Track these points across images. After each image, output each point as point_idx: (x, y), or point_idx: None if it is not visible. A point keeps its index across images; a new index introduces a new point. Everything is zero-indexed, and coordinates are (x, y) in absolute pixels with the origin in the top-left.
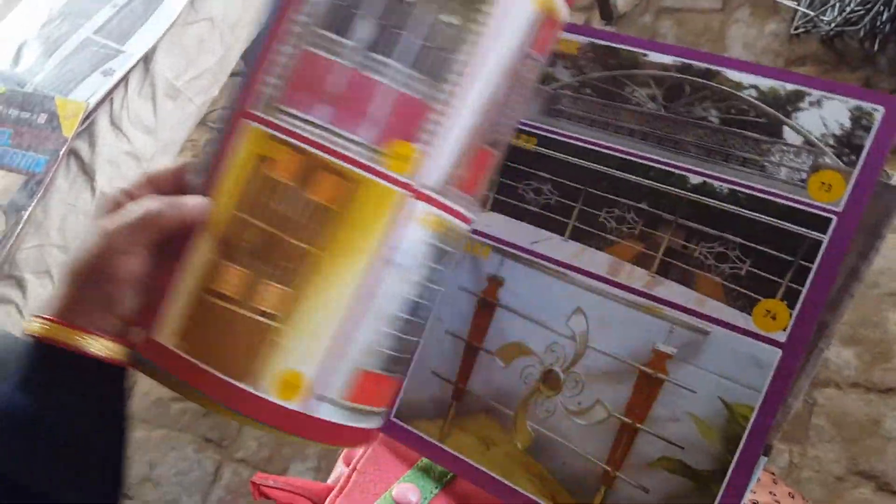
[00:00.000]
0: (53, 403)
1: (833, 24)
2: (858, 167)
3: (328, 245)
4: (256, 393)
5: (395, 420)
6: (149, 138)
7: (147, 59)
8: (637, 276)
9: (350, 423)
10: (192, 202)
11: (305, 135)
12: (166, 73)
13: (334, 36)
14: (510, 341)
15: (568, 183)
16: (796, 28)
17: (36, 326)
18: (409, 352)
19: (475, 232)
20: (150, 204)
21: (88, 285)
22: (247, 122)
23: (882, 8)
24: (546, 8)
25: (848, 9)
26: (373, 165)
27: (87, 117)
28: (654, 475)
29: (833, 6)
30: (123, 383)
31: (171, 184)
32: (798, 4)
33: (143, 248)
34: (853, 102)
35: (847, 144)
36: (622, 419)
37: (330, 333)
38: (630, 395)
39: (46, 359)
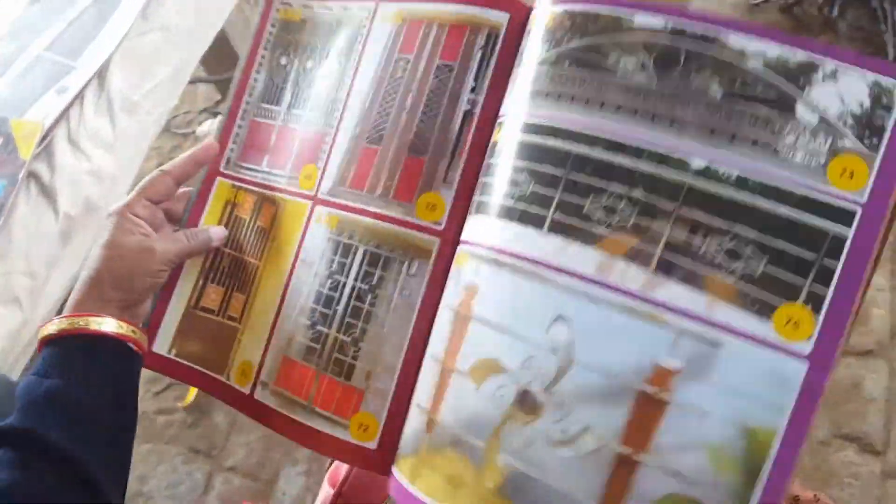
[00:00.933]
0: (77, 381)
1: None
2: (881, 152)
3: (265, 256)
4: (227, 382)
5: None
6: (108, 154)
7: (101, 74)
8: (632, 276)
9: (279, 409)
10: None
11: (255, 179)
12: (122, 87)
13: (270, 106)
14: (482, 358)
15: (545, 170)
16: None
17: (53, 327)
18: (322, 343)
19: (461, 241)
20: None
21: (113, 291)
22: (219, 178)
23: None
24: (406, 15)
25: None
26: (290, 188)
27: (43, 137)
28: None
29: None
30: (133, 363)
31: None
32: None
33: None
34: (871, 77)
35: (868, 125)
36: (618, 450)
37: (267, 327)
38: (627, 420)
39: (65, 349)
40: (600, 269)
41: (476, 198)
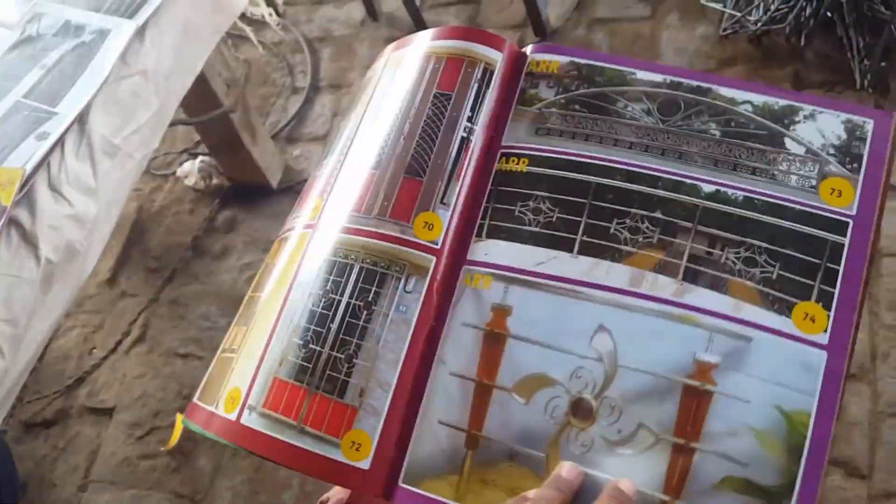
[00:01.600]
0: None
1: (759, 24)
2: (862, 174)
3: (266, 288)
4: (215, 412)
5: (403, 486)
6: (90, 199)
7: (82, 119)
8: (662, 285)
9: (267, 432)
10: None
11: (285, 227)
12: (103, 131)
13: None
14: (528, 374)
15: (569, 198)
16: (724, 30)
17: None
18: (314, 362)
19: (472, 263)
20: None
21: None
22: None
23: (805, 4)
24: (449, 53)
25: (772, 7)
26: (300, 224)
27: (24, 184)
28: (720, 498)
29: (758, 6)
30: None
31: None
32: (725, 7)
33: None
34: (843, 115)
35: (847, 153)
36: (674, 440)
37: (259, 352)
38: (677, 413)
39: None
40: (632, 282)
41: (485, 222)
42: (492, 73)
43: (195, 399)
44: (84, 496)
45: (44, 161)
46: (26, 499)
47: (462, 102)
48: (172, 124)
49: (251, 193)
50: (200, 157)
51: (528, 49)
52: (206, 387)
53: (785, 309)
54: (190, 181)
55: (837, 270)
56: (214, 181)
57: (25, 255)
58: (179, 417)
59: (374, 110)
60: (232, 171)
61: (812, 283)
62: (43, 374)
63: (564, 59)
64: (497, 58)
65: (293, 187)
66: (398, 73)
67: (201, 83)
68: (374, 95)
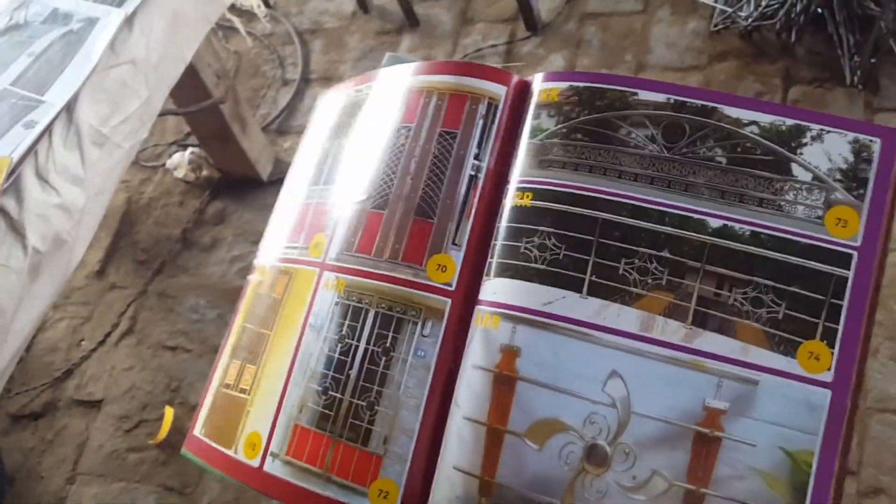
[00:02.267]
0: None
1: (750, 19)
2: (867, 201)
3: (275, 326)
4: (235, 457)
5: None
6: (78, 189)
7: (70, 108)
8: (672, 330)
9: (293, 480)
10: None
11: (275, 255)
12: (91, 121)
13: (300, 187)
14: (541, 418)
15: (575, 235)
16: (715, 25)
17: None
18: (336, 409)
19: (482, 302)
20: None
21: None
22: (258, 263)
23: (795, 0)
24: (450, 90)
25: (763, 3)
26: (300, 258)
27: (11, 173)
28: None
29: (749, 2)
30: None
31: None
32: (716, 2)
33: None
34: (851, 135)
35: (854, 178)
36: (685, 486)
37: (276, 396)
38: (689, 460)
39: None
40: (643, 327)
41: (493, 260)
42: (496, 107)
43: (196, 432)
44: (72, 489)
45: (31, 150)
46: (14, 491)
47: (468, 140)
48: (162, 114)
49: (241, 185)
50: (190, 149)
51: (536, 78)
52: (212, 423)
53: (791, 349)
54: (179, 173)
55: (841, 305)
56: (204, 173)
57: (12, 243)
58: (168, 410)
59: (363, 143)
60: (222, 162)
61: (817, 320)
62: (31, 366)
63: (564, 84)
64: (501, 92)
65: (283, 180)
66: (385, 108)
67: (191, 74)
68: (360, 128)
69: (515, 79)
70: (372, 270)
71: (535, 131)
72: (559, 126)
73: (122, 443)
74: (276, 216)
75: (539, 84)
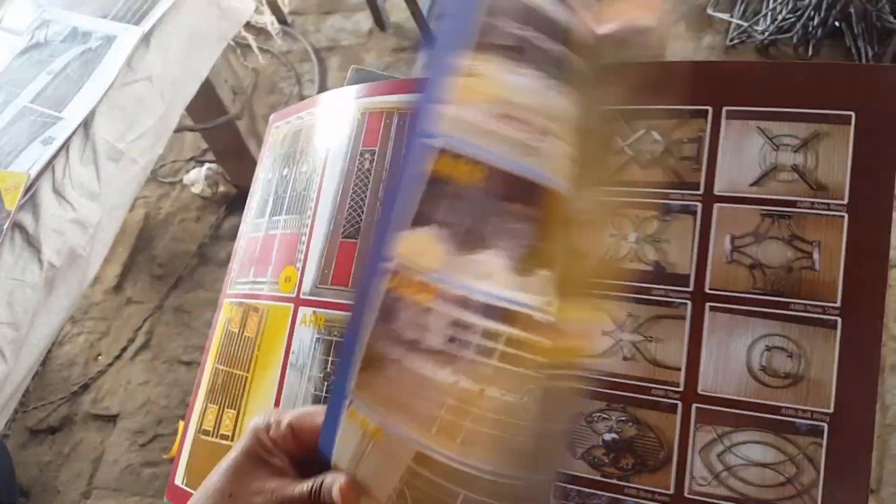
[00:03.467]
0: None
1: (767, 34)
2: None
3: (252, 367)
4: None
5: None
6: (94, 204)
7: (87, 124)
8: None
9: None
10: None
11: (244, 292)
12: (107, 137)
13: (258, 219)
14: None
15: None
16: (731, 40)
17: None
18: None
19: None
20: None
21: None
22: (224, 300)
23: (812, 14)
24: (365, 108)
25: (780, 17)
26: (271, 293)
27: (29, 188)
28: None
29: (765, 16)
30: None
31: None
32: (731, 16)
33: None
34: None
35: None
36: None
37: None
38: None
39: None
40: None
41: None
42: None
43: (178, 481)
44: (87, 503)
45: (48, 165)
46: None
47: None
48: (178, 130)
49: None
50: (207, 165)
51: None
52: (194, 472)
53: None
54: (196, 189)
55: None
56: (221, 189)
57: (28, 258)
58: (182, 425)
59: (333, 172)
60: (238, 178)
61: None
62: (48, 380)
63: None
64: None
65: None
66: (339, 132)
67: (208, 90)
68: (330, 154)
69: None
70: (351, 303)
71: None
72: None
73: (136, 457)
74: (237, 250)
75: None
